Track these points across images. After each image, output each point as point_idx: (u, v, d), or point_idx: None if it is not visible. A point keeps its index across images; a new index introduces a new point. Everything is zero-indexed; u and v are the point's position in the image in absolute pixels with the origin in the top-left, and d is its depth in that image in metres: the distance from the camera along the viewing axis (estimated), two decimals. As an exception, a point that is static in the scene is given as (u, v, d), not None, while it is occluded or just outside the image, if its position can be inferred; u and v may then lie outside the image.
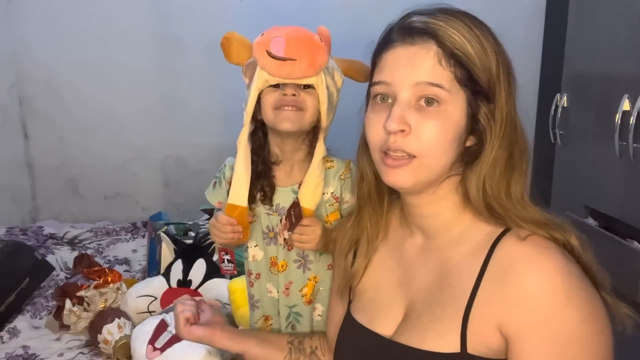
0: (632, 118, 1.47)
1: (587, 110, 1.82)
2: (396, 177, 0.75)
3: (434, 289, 0.78)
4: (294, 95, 1.03)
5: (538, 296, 0.68)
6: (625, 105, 1.52)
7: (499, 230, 0.75)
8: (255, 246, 1.15)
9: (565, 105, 1.92)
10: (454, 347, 0.72)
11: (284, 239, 1.10)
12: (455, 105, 0.72)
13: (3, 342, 1.61)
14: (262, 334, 1.11)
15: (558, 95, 1.96)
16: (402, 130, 0.72)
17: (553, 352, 0.68)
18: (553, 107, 1.95)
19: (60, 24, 2.54)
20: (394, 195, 0.88)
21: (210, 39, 2.48)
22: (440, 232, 0.80)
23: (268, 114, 1.05)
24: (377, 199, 0.87)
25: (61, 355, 1.55)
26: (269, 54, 1.00)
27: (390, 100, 0.75)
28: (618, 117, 1.53)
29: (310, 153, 1.09)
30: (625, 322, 0.74)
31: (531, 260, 0.70)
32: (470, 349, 0.72)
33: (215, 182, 1.17)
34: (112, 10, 2.53)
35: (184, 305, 0.99)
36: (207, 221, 2.10)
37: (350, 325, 0.88)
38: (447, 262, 0.78)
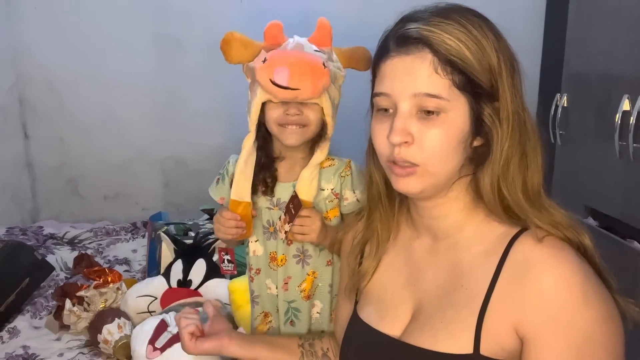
0: (632, 118, 1.47)
1: (587, 110, 1.82)
2: (404, 185, 0.75)
3: (446, 290, 0.78)
4: (297, 114, 1.05)
5: (556, 297, 0.68)
6: (625, 105, 1.52)
7: (514, 231, 0.75)
8: (255, 241, 1.17)
9: (565, 105, 1.91)
10: (467, 348, 0.72)
11: (285, 232, 1.11)
12: (456, 112, 0.72)
13: (3, 342, 1.61)
14: (272, 338, 1.10)
15: (558, 95, 1.96)
16: (405, 142, 0.72)
17: (570, 352, 0.68)
18: (553, 107, 1.95)
19: (60, 24, 2.53)
20: (403, 196, 0.87)
21: (209, 40, 2.46)
22: (449, 233, 0.80)
23: (272, 128, 1.08)
24: (387, 201, 0.87)
25: (61, 355, 1.55)
26: (273, 82, 1.01)
27: (391, 111, 0.75)
28: (618, 117, 1.53)
29: (312, 152, 1.12)
30: (636, 319, 0.74)
31: (549, 262, 0.70)
32: (484, 350, 0.71)
33: (218, 179, 1.20)
34: (112, 10, 2.53)
35: (188, 320, 0.97)
36: (207, 221, 2.10)
37: (356, 325, 0.88)
38: (459, 263, 0.78)
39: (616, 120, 1.53)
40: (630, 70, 1.57)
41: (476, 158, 0.76)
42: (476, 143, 0.75)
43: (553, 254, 0.71)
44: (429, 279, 0.81)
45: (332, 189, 1.13)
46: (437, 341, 0.75)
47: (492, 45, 0.72)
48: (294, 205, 1.07)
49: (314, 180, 1.10)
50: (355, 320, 0.88)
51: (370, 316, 0.86)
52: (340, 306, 0.98)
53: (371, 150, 0.83)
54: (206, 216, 2.20)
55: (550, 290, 0.69)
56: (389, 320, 0.83)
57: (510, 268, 0.72)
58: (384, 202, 0.87)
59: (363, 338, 0.86)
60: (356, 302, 0.91)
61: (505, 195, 0.74)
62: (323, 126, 1.10)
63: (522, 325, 0.70)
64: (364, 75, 1.08)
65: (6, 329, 1.66)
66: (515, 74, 0.74)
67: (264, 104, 1.07)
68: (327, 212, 1.13)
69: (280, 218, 1.11)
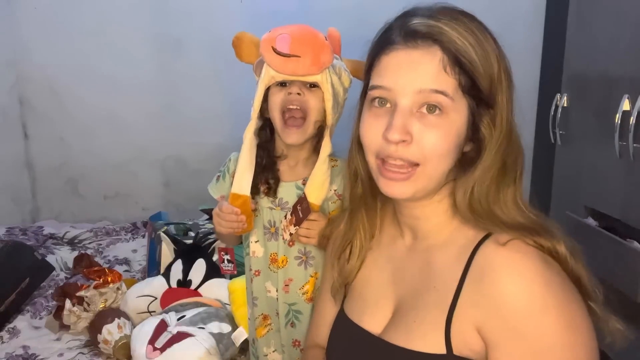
0: (632, 118, 1.47)
1: (587, 110, 1.82)
2: (394, 189, 0.74)
3: (420, 290, 0.78)
4: (298, 94, 1.05)
5: (513, 303, 0.67)
6: (625, 105, 1.52)
7: (482, 235, 0.74)
8: (256, 242, 1.16)
9: (565, 105, 1.91)
10: (440, 348, 0.72)
11: (290, 234, 1.09)
12: (457, 114, 0.71)
13: (3, 342, 1.61)
14: None
15: (558, 95, 1.95)
16: (403, 141, 0.70)
17: None
18: (553, 107, 1.94)
19: (60, 25, 2.54)
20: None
21: (210, 40, 2.49)
22: (429, 235, 0.80)
23: (275, 118, 1.07)
24: (370, 198, 0.86)
25: (61, 355, 1.55)
26: (275, 50, 1.02)
27: (388, 105, 0.73)
28: (618, 117, 1.53)
29: (316, 150, 1.11)
30: (615, 335, 0.72)
31: (508, 266, 0.68)
32: (456, 351, 0.71)
33: (218, 176, 1.19)
34: (112, 10, 2.53)
35: None
36: (207, 221, 2.10)
37: (342, 321, 0.88)
38: (433, 264, 0.78)
39: (616, 120, 1.53)
40: (630, 71, 1.57)
41: (463, 163, 0.75)
42: (466, 149, 0.75)
43: (513, 258, 0.69)
44: (407, 277, 0.81)
45: (335, 190, 1.13)
46: (411, 340, 0.74)
47: (494, 53, 0.72)
48: (302, 209, 1.06)
49: (325, 183, 1.08)
50: (341, 316, 0.88)
51: (353, 312, 0.86)
52: (324, 307, 0.97)
53: (357, 145, 0.82)
54: (206, 216, 2.20)
55: (507, 295, 0.67)
56: (370, 317, 0.83)
57: (474, 272, 0.71)
58: (368, 199, 0.86)
59: (346, 333, 0.86)
60: (344, 298, 0.91)
61: (475, 197, 0.73)
62: (322, 125, 1.10)
63: (483, 330, 0.69)
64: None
65: (6, 329, 1.66)
66: (510, 84, 0.74)
67: (268, 96, 1.07)
68: (329, 213, 1.13)
69: (285, 217, 1.10)
